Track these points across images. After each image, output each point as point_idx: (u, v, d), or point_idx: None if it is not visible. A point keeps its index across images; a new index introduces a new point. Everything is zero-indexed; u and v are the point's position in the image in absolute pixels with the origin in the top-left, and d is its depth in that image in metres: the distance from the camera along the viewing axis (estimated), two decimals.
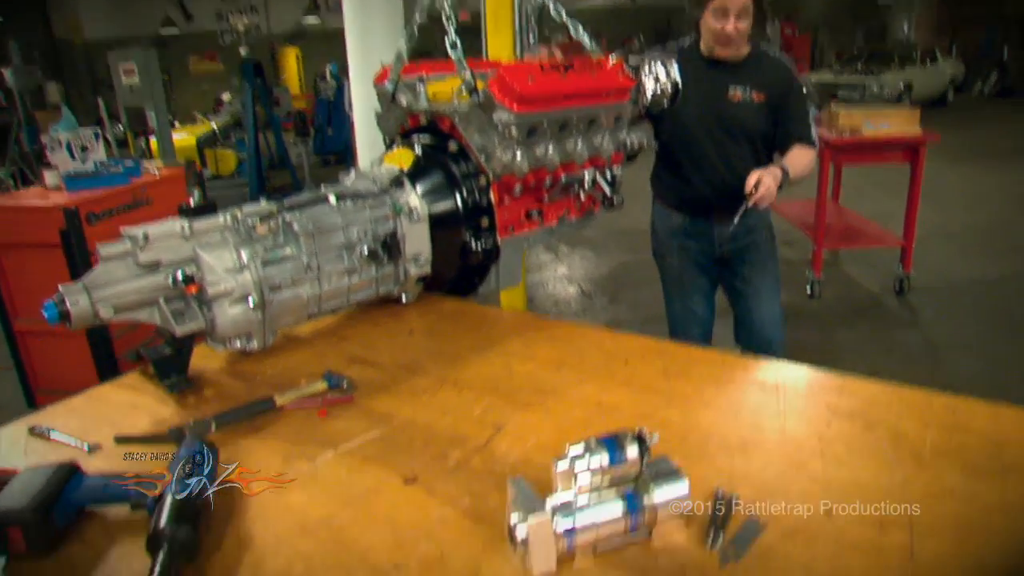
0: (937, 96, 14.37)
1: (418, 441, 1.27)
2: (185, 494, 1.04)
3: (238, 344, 1.58)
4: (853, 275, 5.24)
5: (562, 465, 0.95)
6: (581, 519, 0.94)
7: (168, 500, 1.02)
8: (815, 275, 4.78)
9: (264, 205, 1.63)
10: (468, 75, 1.77)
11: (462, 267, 1.88)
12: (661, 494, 0.96)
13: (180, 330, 1.44)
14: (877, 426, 1.22)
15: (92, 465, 1.16)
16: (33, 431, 1.34)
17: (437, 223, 1.80)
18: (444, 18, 1.87)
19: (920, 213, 4.69)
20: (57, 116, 4.40)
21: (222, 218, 1.56)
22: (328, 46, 11.40)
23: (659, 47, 2.57)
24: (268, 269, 1.56)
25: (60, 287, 1.35)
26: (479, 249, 1.82)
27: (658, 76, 1.98)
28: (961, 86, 15.91)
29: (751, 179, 2.22)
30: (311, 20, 16.06)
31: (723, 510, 1.03)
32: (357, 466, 1.21)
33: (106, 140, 4.00)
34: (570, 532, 0.93)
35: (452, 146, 1.85)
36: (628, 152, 2.06)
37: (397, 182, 1.80)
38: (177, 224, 1.49)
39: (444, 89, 1.91)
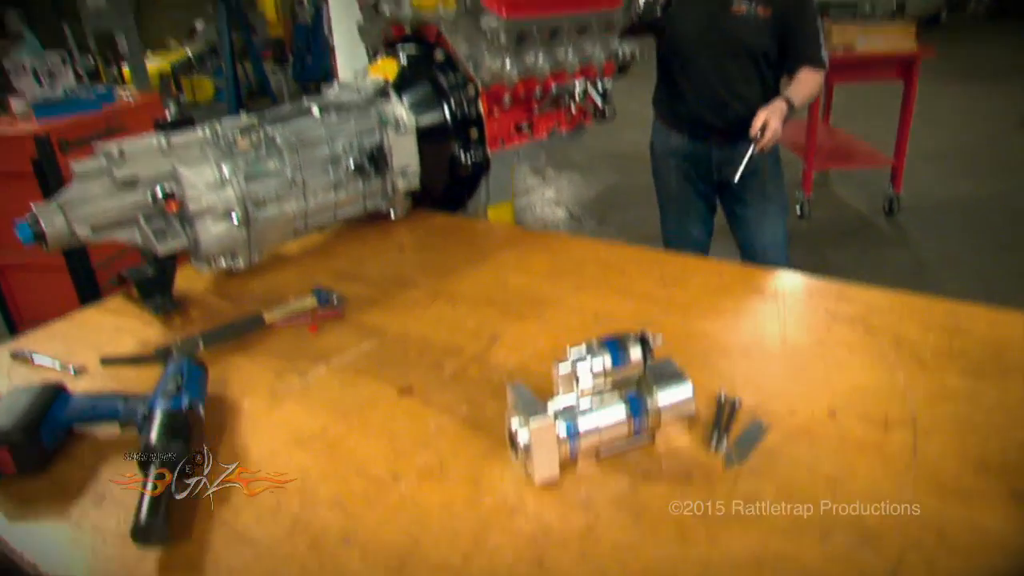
0: (930, 15, 14.08)
1: (412, 353, 1.24)
2: (175, 409, 1.01)
3: (223, 263, 1.54)
4: (843, 196, 5.21)
5: (563, 368, 0.92)
6: (584, 423, 0.92)
7: (158, 416, 1.00)
8: (805, 195, 4.74)
9: (245, 118, 1.57)
10: None
11: (451, 181, 1.83)
12: (665, 397, 0.94)
13: (162, 249, 1.40)
14: (878, 331, 1.21)
15: (78, 387, 1.13)
16: (15, 356, 1.30)
17: (425, 135, 1.74)
18: None
19: (911, 133, 4.63)
20: (19, 44, 4.21)
21: (201, 132, 1.49)
22: None
23: None
24: (251, 184, 1.50)
25: (33, 206, 1.29)
26: (468, 162, 1.76)
27: None
28: (955, 6, 15.59)
29: (756, 121, 2.11)
30: None
31: (726, 413, 1.01)
32: (350, 379, 1.18)
33: (76, 73, 3.83)
34: (573, 436, 0.91)
35: (439, 55, 1.78)
36: (620, 63, 1.99)
37: (382, 93, 1.73)
38: (154, 139, 1.43)
39: None
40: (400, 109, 1.71)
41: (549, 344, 1.22)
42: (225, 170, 1.47)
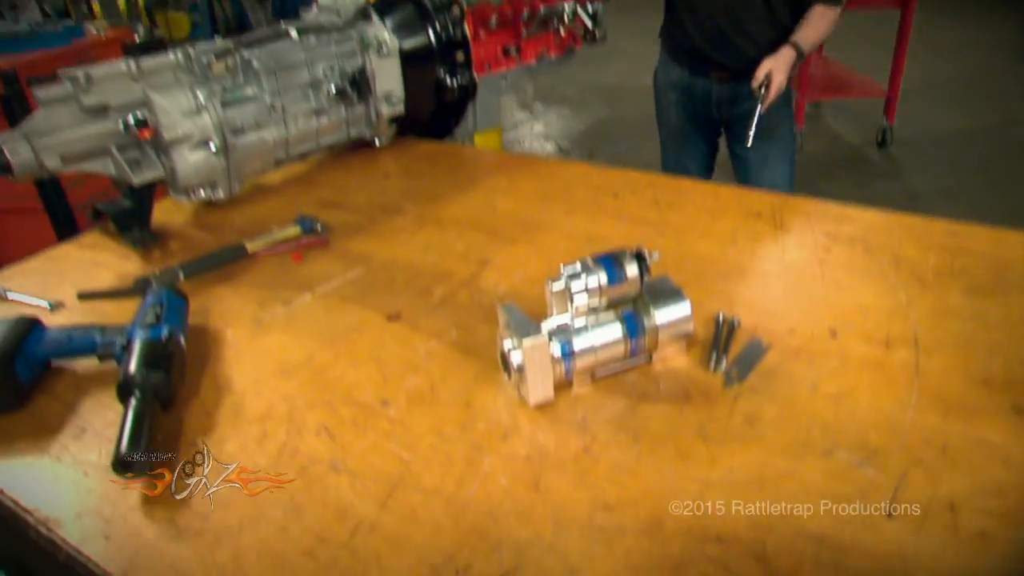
0: None
1: (399, 279, 1.20)
2: (155, 338, 0.97)
3: (203, 194, 1.48)
4: (836, 127, 5.14)
5: (557, 285, 0.89)
6: (579, 342, 0.88)
7: (137, 346, 0.96)
8: (797, 127, 4.67)
9: (219, 42, 1.49)
10: None
11: (437, 107, 1.76)
12: (662, 315, 0.91)
13: (137, 179, 1.34)
14: (878, 251, 1.17)
15: (55, 323, 1.09)
16: None
17: (409, 59, 1.67)
18: None
19: (905, 64, 4.54)
20: None
21: (173, 56, 1.42)
22: None
23: None
24: (228, 111, 1.44)
25: None
26: (455, 86, 1.69)
27: None
28: None
29: (759, 73, 1.95)
30: None
31: (725, 333, 0.98)
32: (336, 306, 1.15)
33: (43, 10, 3.67)
34: (568, 356, 0.88)
35: None
36: None
37: (363, 14, 1.65)
38: (123, 64, 1.36)
39: None
40: (382, 31, 1.64)
41: (541, 267, 1.18)
42: (200, 96, 1.40)
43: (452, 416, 0.89)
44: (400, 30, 1.67)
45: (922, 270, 1.11)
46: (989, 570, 0.66)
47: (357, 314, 1.12)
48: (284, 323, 1.12)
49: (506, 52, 1.81)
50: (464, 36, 1.70)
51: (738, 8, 2.07)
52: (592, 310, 0.90)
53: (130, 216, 1.42)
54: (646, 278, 0.91)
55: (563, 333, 0.89)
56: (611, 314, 0.91)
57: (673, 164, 2.51)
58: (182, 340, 1.02)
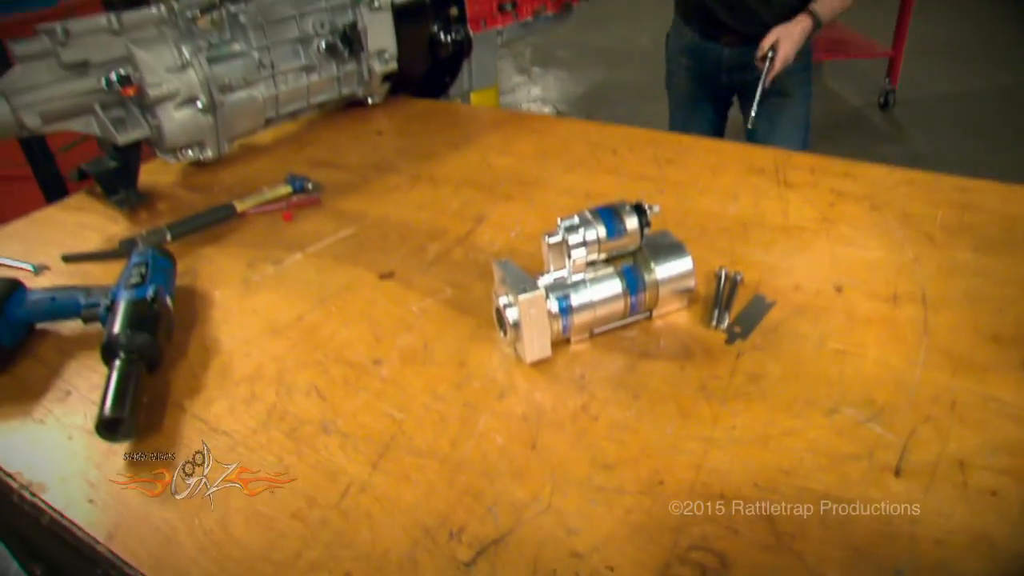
0: None
1: (393, 237, 1.17)
2: (140, 299, 0.94)
3: (191, 154, 1.44)
4: (836, 89, 5.05)
5: (554, 239, 0.85)
6: (577, 298, 0.85)
7: (122, 307, 0.93)
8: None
9: None
10: None
11: (432, 64, 1.71)
12: (663, 270, 0.88)
13: (122, 139, 1.30)
14: (884, 207, 1.14)
15: (40, 285, 1.07)
16: None
17: (402, 14, 1.61)
18: None
19: (910, 23, 4.44)
20: None
21: (156, 10, 1.36)
22: None
23: None
24: (215, 67, 1.39)
25: None
26: (449, 41, 1.64)
27: None
28: None
29: (766, 41, 1.84)
30: None
31: (727, 289, 0.95)
32: (328, 266, 1.11)
33: None
34: (565, 312, 0.85)
35: None
36: None
37: None
38: (103, 18, 1.31)
39: None
40: None
41: (538, 224, 1.15)
42: (185, 52, 1.35)
43: (446, 375, 0.87)
44: None
45: (930, 226, 1.08)
46: (1001, 529, 0.64)
47: (349, 273, 1.09)
48: (274, 283, 1.09)
49: (502, 8, 1.75)
50: None
51: None
52: (590, 265, 0.87)
53: (116, 177, 1.39)
54: (646, 232, 0.87)
55: (560, 288, 0.86)
56: (610, 269, 0.88)
57: (681, 132, 2.38)
58: (168, 301, 0.99)
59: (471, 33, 1.70)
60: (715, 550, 0.64)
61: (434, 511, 0.70)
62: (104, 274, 1.13)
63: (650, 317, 0.92)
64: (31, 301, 1.01)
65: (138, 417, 0.82)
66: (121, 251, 1.18)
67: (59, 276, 1.17)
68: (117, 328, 0.90)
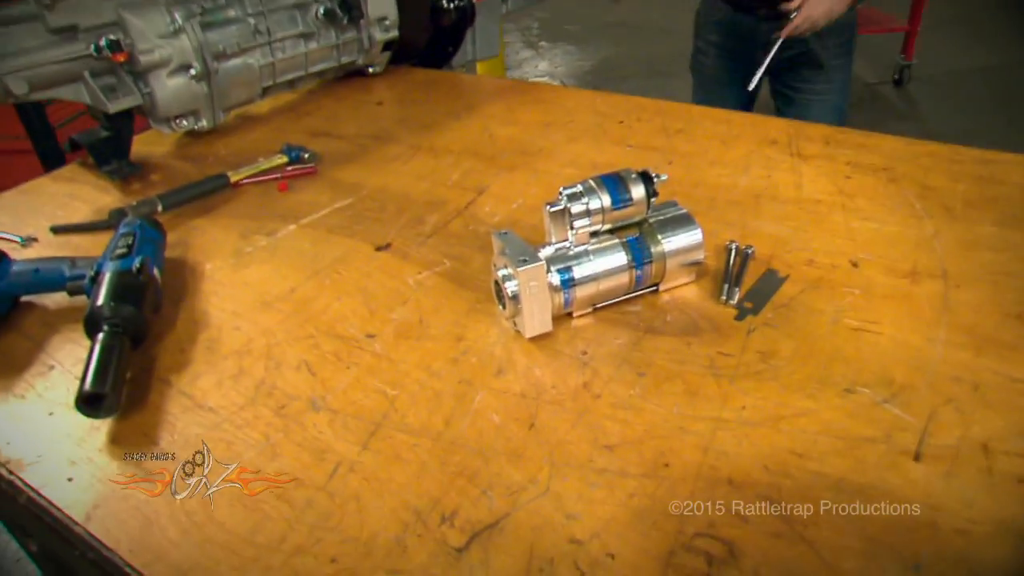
0: None
1: (390, 208, 1.13)
2: (125, 270, 0.91)
3: (185, 124, 1.40)
4: None
5: (555, 208, 0.81)
6: (580, 270, 0.81)
7: (107, 278, 0.89)
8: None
9: None
10: None
11: (434, 32, 1.66)
12: (671, 242, 0.83)
13: (112, 107, 1.26)
14: (903, 180, 1.09)
15: (28, 257, 1.03)
16: None
17: None
18: None
19: None
20: None
21: None
22: None
23: None
24: (209, 33, 1.35)
25: None
26: (451, 8, 1.59)
27: None
28: None
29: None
30: None
31: (738, 263, 0.91)
32: (322, 237, 1.08)
33: None
34: (567, 285, 0.81)
35: None
36: None
37: None
38: None
39: None
40: None
41: (541, 195, 1.10)
42: (178, 17, 1.31)
43: (442, 350, 0.83)
44: None
45: (950, 200, 1.03)
46: None
47: (344, 245, 1.05)
48: (266, 255, 1.05)
49: None
50: None
51: None
52: (594, 236, 0.83)
53: (108, 146, 1.35)
54: (653, 202, 0.83)
55: (562, 260, 0.81)
56: (615, 240, 0.84)
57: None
58: (156, 272, 0.96)
59: (474, 0, 1.65)
60: (722, 538, 0.60)
61: (426, 493, 0.66)
62: (93, 246, 1.09)
63: (656, 291, 0.88)
64: (14, 273, 0.98)
65: (121, 392, 0.79)
66: (110, 222, 1.15)
67: (48, 248, 1.14)
68: (101, 300, 0.86)
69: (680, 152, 1.22)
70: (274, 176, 1.26)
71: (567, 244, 0.83)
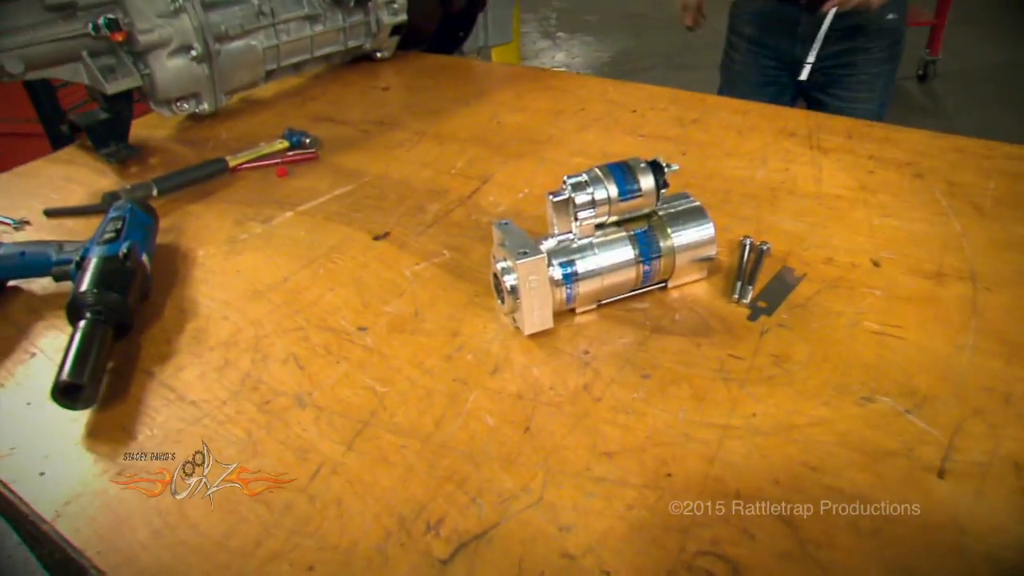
0: None
1: (391, 196, 1.09)
2: (112, 255, 0.87)
3: (186, 107, 1.37)
4: None
5: (559, 198, 0.76)
6: (583, 264, 0.76)
7: (92, 263, 0.86)
8: None
9: None
10: None
11: (444, 17, 1.62)
12: (681, 236, 0.79)
13: (111, 88, 1.22)
14: (929, 175, 1.04)
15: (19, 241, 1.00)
16: None
17: None
18: None
19: None
20: None
21: None
22: None
23: None
24: (211, 14, 1.31)
25: None
26: None
27: None
28: None
29: None
30: None
31: (752, 260, 0.86)
32: (319, 225, 1.03)
33: None
34: (570, 280, 0.76)
35: None
36: None
37: None
38: None
39: None
40: None
41: (548, 185, 1.06)
42: None
43: (436, 346, 0.79)
44: None
45: (980, 197, 0.98)
46: None
47: (341, 233, 1.01)
48: (261, 242, 1.01)
49: None
50: None
51: None
52: (599, 228, 0.78)
53: (106, 129, 1.31)
54: (663, 193, 0.78)
55: (565, 253, 0.77)
56: (621, 233, 0.79)
57: None
58: (145, 258, 0.92)
59: None
60: (727, 557, 0.55)
61: (411, 498, 0.62)
62: (87, 230, 1.06)
63: (665, 288, 0.83)
64: (0, 256, 0.95)
65: (100, 383, 0.75)
66: (104, 205, 1.11)
67: (41, 231, 1.11)
68: (85, 286, 0.83)
69: (694, 142, 1.17)
70: (274, 161, 1.22)
71: (571, 236, 0.78)
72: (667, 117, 1.25)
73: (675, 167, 0.77)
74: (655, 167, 0.76)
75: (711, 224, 0.80)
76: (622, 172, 0.76)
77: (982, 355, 0.72)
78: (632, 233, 0.79)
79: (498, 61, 1.78)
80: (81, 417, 0.74)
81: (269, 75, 1.46)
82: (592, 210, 0.75)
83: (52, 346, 0.86)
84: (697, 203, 0.82)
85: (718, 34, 1.97)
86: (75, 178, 1.26)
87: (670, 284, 0.83)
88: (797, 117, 1.23)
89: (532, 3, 5.04)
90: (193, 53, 1.29)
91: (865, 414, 0.66)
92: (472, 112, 1.35)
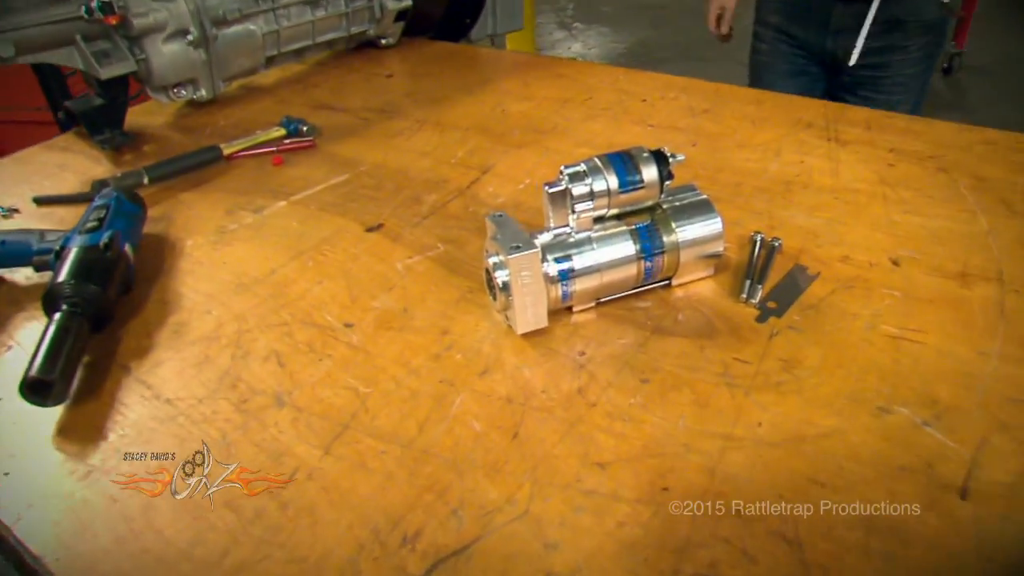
0: None
1: (387, 186, 1.05)
2: (92, 245, 0.84)
3: (183, 93, 1.34)
4: None
5: (555, 189, 0.72)
6: (581, 260, 0.72)
7: (72, 253, 0.83)
8: None
9: None
10: None
11: (450, 2, 1.57)
12: (686, 231, 0.74)
13: (105, 73, 1.19)
14: (953, 169, 0.98)
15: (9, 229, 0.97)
16: None
17: None
18: None
19: None
20: None
21: None
22: None
23: None
24: None
25: None
26: None
27: None
28: None
29: None
30: None
31: (762, 257, 0.81)
32: (312, 215, 1.00)
33: None
34: (566, 276, 0.72)
35: None
36: None
37: None
38: None
39: None
40: None
41: (550, 176, 1.00)
42: None
43: (424, 344, 0.75)
44: None
45: (1009, 193, 0.92)
46: None
47: (333, 224, 0.97)
48: (251, 233, 0.98)
49: None
50: None
51: None
52: (598, 221, 0.74)
53: (101, 115, 1.28)
54: (667, 185, 0.73)
55: (561, 248, 0.72)
56: (622, 227, 0.74)
57: None
58: (128, 249, 0.88)
59: None
60: None
61: (388, 509, 0.58)
62: (77, 219, 1.02)
63: (668, 286, 0.78)
64: None
65: (73, 379, 0.72)
66: (94, 193, 1.08)
67: (30, 219, 1.08)
68: (62, 276, 0.80)
69: (705, 133, 1.11)
70: (270, 149, 1.18)
71: (568, 230, 0.74)
72: (678, 106, 1.20)
73: (680, 157, 0.73)
74: (659, 157, 0.72)
75: (719, 218, 0.75)
76: (623, 162, 0.71)
77: (1009, 363, 0.67)
78: (633, 227, 0.74)
79: (513, 44, 1.73)
80: (52, 414, 0.71)
81: (270, 61, 1.42)
82: (590, 202, 0.71)
83: (30, 338, 0.82)
84: (704, 196, 0.77)
85: (741, 26, 1.91)
86: (69, 165, 1.23)
87: (674, 282, 0.78)
88: (814, 107, 1.17)
89: None
90: (189, 38, 1.26)
91: (880, 426, 0.62)
92: (476, 100, 1.31)
